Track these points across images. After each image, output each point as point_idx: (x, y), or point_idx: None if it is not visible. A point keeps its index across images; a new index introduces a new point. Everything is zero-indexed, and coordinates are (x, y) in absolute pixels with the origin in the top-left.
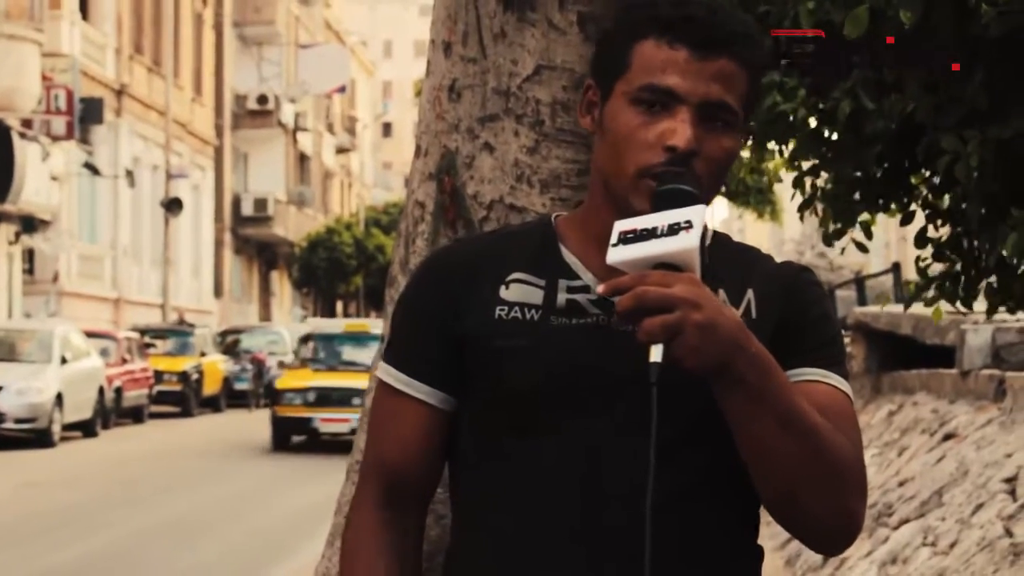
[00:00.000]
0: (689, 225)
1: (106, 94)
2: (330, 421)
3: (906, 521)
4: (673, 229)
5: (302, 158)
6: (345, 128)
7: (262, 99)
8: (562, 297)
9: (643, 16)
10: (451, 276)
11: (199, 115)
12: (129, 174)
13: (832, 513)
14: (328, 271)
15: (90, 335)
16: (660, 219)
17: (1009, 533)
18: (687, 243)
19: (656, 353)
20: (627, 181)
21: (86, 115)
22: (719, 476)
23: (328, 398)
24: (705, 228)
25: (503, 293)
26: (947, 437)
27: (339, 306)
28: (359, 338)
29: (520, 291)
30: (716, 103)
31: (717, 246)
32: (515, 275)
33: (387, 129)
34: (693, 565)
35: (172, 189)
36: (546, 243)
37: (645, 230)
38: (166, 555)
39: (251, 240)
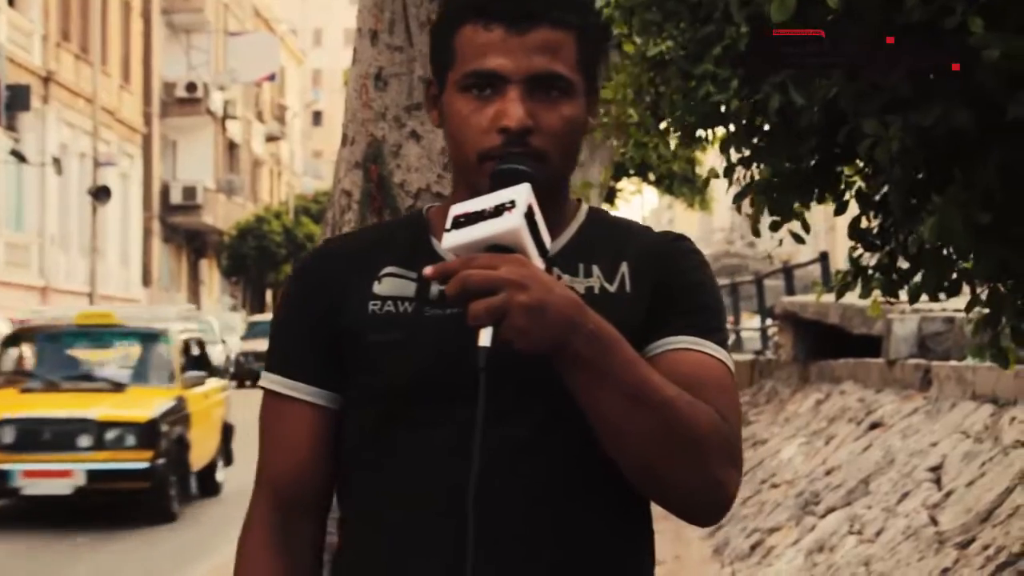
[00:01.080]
0: (512, 205)
1: (33, 81)
2: (40, 475)
3: (833, 509)
4: (498, 210)
5: (231, 146)
6: (275, 116)
7: (191, 87)
8: (435, 288)
9: (459, 3)
10: (325, 275)
11: (127, 102)
12: (56, 162)
13: (696, 484)
14: (258, 260)
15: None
16: (488, 201)
17: (934, 521)
18: (510, 223)
19: (485, 337)
20: (472, 167)
21: (12, 102)
22: (595, 459)
23: (36, 437)
24: (531, 207)
25: (376, 288)
26: (874, 426)
27: (268, 295)
28: (100, 336)
29: (393, 285)
30: (544, 75)
31: (590, 223)
32: (387, 269)
33: (317, 118)
34: (570, 552)
35: (100, 177)
36: (417, 235)
37: (475, 213)
38: (85, 553)
39: (180, 229)
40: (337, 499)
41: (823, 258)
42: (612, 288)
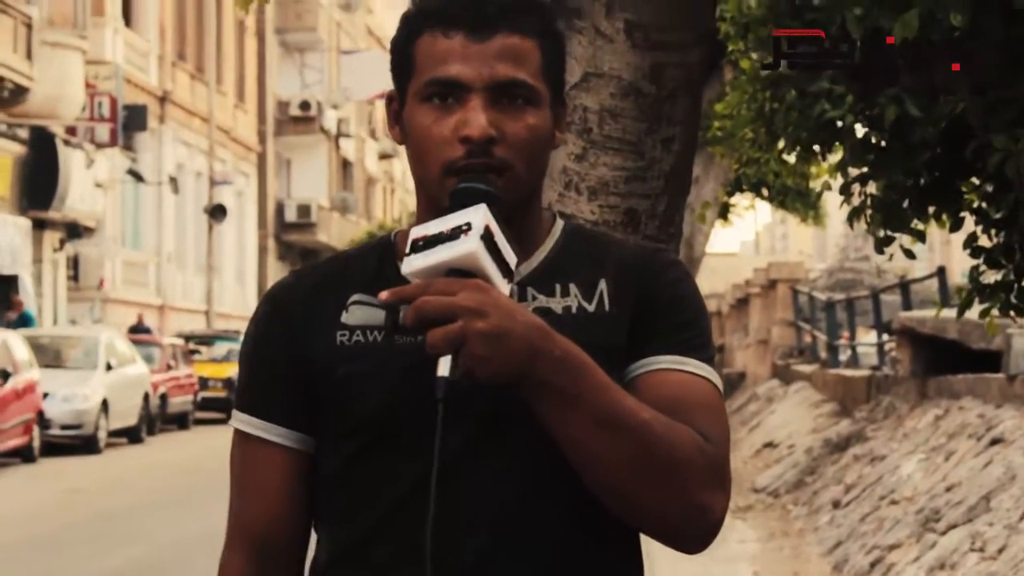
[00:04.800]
0: (469, 228)
1: (149, 101)
2: None
3: (954, 526)
4: (455, 233)
5: (345, 164)
6: (387, 134)
7: (305, 105)
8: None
9: (417, 12)
10: (291, 310)
11: (242, 121)
12: (173, 181)
13: (677, 510)
14: None
15: (135, 342)
16: (445, 223)
17: None
18: (466, 248)
19: (443, 366)
20: (435, 182)
21: (130, 122)
22: (573, 489)
23: None
24: (488, 228)
25: (344, 318)
26: (994, 442)
27: None
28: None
29: (361, 313)
30: (507, 82)
31: (567, 238)
32: (355, 297)
33: None
34: None
35: (216, 195)
36: (384, 261)
37: (433, 236)
38: (210, 564)
39: (295, 246)
40: (317, 540)
41: (940, 272)
42: (591, 307)
